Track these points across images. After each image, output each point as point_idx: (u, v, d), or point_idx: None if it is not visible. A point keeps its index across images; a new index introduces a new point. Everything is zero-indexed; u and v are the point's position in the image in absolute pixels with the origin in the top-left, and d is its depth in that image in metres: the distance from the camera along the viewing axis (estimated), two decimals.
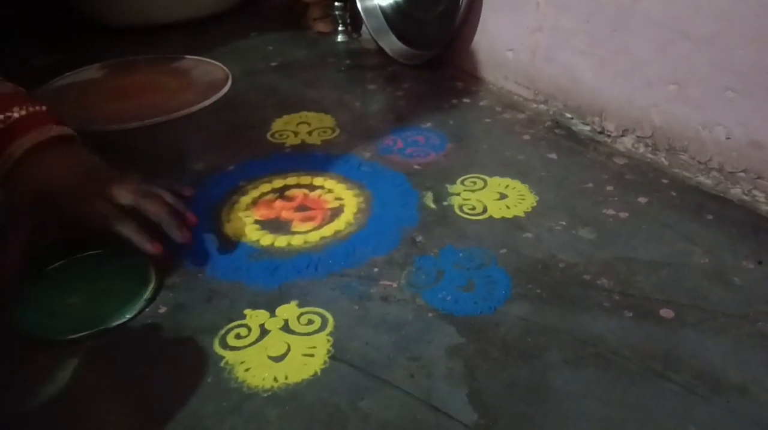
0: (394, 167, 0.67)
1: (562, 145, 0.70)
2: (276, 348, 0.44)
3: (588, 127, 0.72)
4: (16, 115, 0.48)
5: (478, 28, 0.84)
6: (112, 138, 0.73)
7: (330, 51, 0.99)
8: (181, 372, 0.42)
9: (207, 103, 0.82)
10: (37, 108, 0.50)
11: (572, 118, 0.74)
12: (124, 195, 0.48)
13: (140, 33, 1.08)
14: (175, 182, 0.56)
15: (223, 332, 0.45)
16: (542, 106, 0.78)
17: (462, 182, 0.63)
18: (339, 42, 1.02)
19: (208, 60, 0.96)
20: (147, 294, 0.48)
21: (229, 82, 0.88)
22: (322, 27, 1.05)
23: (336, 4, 1.00)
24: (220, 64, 0.94)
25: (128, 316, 0.47)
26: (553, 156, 0.68)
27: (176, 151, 0.71)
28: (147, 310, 0.48)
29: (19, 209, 0.48)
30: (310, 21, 1.07)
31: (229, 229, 0.58)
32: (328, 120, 0.77)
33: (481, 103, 0.80)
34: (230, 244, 0.56)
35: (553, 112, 0.76)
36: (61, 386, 0.41)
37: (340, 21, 1.02)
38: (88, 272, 0.51)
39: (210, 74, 0.91)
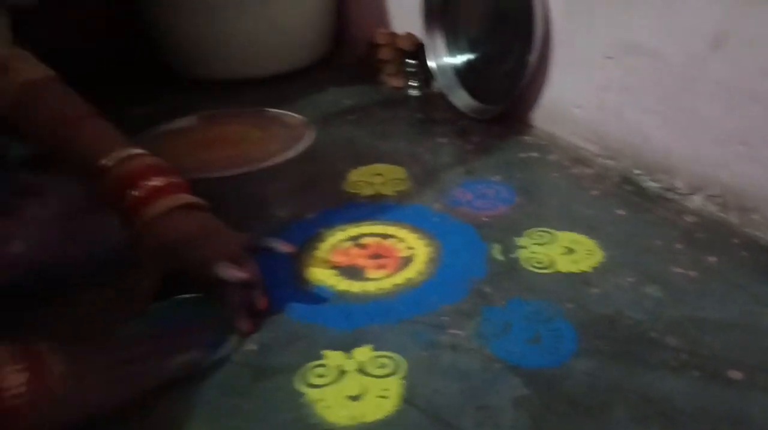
0: (463, 219, 0.70)
1: (631, 201, 0.71)
2: (352, 388, 0.47)
3: (657, 185, 0.73)
4: (156, 183, 0.56)
5: (547, 85, 0.87)
6: (202, 186, 0.80)
7: (403, 105, 1.05)
8: (266, 407, 0.46)
9: (288, 154, 0.89)
10: (174, 179, 0.57)
11: (641, 175, 0.75)
12: (223, 271, 0.53)
13: (228, 87, 1.17)
14: (272, 240, 0.61)
15: (303, 371, 0.49)
16: (610, 162, 0.79)
17: (530, 236, 0.66)
18: (411, 96, 1.07)
19: (290, 113, 1.03)
20: (234, 343, 0.53)
21: (309, 134, 0.95)
22: (395, 82, 1.11)
23: (409, 61, 1.06)
24: (300, 116, 1.01)
25: (220, 354, 0.51)
26: (622, 212, 0.69)
27: (261, 199, 0.77)
28: (235, 348, 0.52)
29: (149, 261, 0.55)
30: (385, 76, 1.13)
31: (308, 274, 0.62)
32: (400, 172, 0.82)
33: (550, 158, 0.83)
34: (309, 288, 0.60)
35: (622, 168, 0.78)
36: (153, 412, 0.46)
37: (412, 77, 1.07)
38: (188, 311, 0.56)
39: (291, 126, 0.98)
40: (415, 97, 1.07)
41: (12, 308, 0.57)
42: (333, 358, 0.50)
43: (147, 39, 1.22)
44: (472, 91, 0.98)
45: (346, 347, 0.51)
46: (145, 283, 0.57)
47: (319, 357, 0.50)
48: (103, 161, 0.57)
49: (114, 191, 0.57)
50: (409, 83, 1.08)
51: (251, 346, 0.52)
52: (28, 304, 0.59)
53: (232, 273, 0.52)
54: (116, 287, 0.61)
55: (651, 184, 0.74)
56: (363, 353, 0.51)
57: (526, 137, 0.89)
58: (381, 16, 1.18)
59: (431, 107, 1.02)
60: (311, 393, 0.47)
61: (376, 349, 0.51)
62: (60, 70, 0.63)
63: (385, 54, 1.12)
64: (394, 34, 1.12)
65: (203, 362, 0.50)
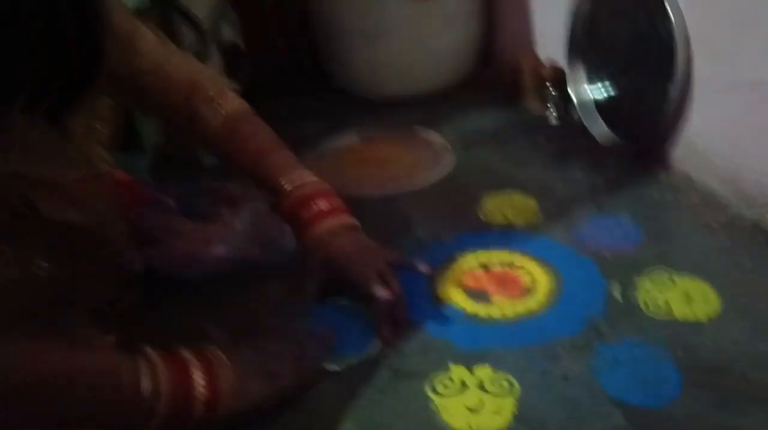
0: (587, 254, 0.76)
1: (760, 253, 0.72)
2: (472, 401, 0.56)
3: None
4: (323, 206, 0.69)
5: (686, 124, 0.89)
6: (356, 204, 0.92)
7: (542, 132, 1.10)
8: (401, 405, 0.57)
9: (431, 177, 0.99)
10: (336, 203, 0.70)
11: None
12: (374, 289, 0.65)
13: (385, 105, 1.28)
14: (414, 260, 0.72)
15: (432, 379, 0.59)
16: (745, 209, 0.80)
17: (650, 278, 0.70)
18: (551, 126, 1.12)
19: (436, 135, 1.13)
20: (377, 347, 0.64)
21: (450, 158, 1.04)
22: (536, 108, 1.16)
23: (550, 89, 1.11)
24: (444, 140, 1.11)
25: (366, 354, 0.63)
26: (748, 262, 0.71)
27: (405, 219, 0.88)
28: (378, 351, 0.63)
29: (315, 271, 0.69)
30: (527, 102, 1.19)
31: (441, 293, 0.72)
32: (532, 203, 0.89)
33: (682, 200, 0.85)
34: (441, 306, 0.70)
35: (755, 216, 0.78)
36: (307, 399, 0.58)
37: (553, 105, 1.12)
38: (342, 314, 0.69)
39: (435, 149, 1.08)
40: (555, 125, 1.12)
41: (205, 296, 0.73)
42: (457, 371, 0.60)
43: (319, 59, 1.38)
44: (611, 124, 1.02)
45: (469, 363, 0.61)
46: (310, 287, 0.71)
47: (446, 369, 0.60)
48: (285, 185, 0.71)
49: (291, 210, 0.71)
50: (550, 111, 1.13)
51: (391, 351, 0.63)
52: (219, 294, 0.75)
53: (381, 293, 0.64)
54: (287, 287, 0.75)
55: None
56: (483, 371, 0.60)
57: (662, 176, 0.91)
58: (527, 43, 1.24)
59: (569, 137, 1.07)
60: (437, 399, 0.57)
61: (495, 369, 0.60)
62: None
63: (527, 80, 1.18)
64: (537, 61, 1.17)
65: (351, 360, 0.62)
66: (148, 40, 0.71)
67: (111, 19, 0.54)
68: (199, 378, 0.50)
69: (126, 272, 0.66)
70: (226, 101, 0.75)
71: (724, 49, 0.80)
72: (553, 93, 1.12)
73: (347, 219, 0.70)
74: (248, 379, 0.55)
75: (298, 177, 0.72)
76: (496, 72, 1.31)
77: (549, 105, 1.14)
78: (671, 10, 0.85)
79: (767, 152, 0.76)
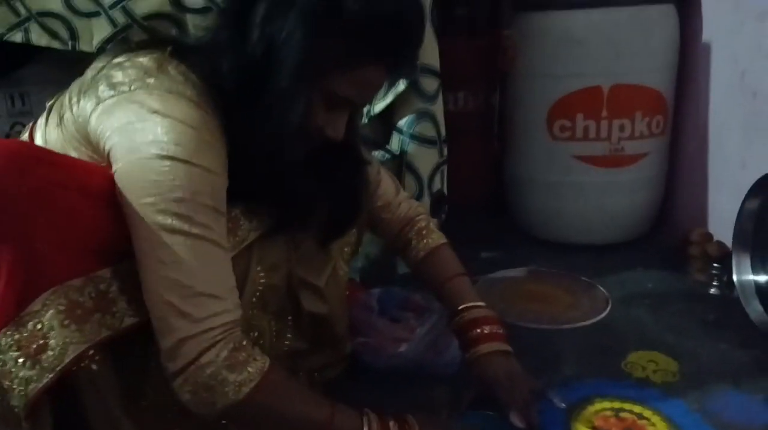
0: (712, 423, 0.86)
1: None
2: None
3: None
4: (486, 330, 0.89)
5: None
6: (514, 332, 1.10)
7: (700, 302, 1.20)
8: None
9: (586, 322, 1.14)
10: (497, 330, 0.90)
11: None
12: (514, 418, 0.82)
13: (558, 249, 1.48)
14: (554, 393, 0.88)
15: None
16: None
17: None
18: (711, 294, 1.22)
19: (598, 285, 1.28)
20: None
21: (608, 309, 1.19)
22: (700, 277, 1.27)
23: (715, 265, 1.22)
24: (605, 290, 1.26)
25: None
26: None
27: (554, 355, 1.04)
28: None
29: (472, 384, 0.88)
30: (692, 269, 1.30)
31: (573, 425, 0.87)
32: (673, 365, 1.00)
33: None
34: None
35: None
36: None
37: (716, 279, 1.22)
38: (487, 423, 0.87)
39: (595, 298, 1.24)
40: (714, 297, 1.21)
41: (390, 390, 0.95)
42: None
43: (507, 203, 1.63)
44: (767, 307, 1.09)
45: None
46: (467, 395, 0.90)
47: None
48: (460, 307, 0.93)
49: (462, 328, 0.92)
50: (712, 283, 1.23)
51: None
52: (396, 382, 0.97)
53: (518, 422, 0.81)
54: (449, 389, 0.95)
55: None
56: None
57: None
58: (699, 217, 1.36)
59: (726, 311, 1.15)
60: None
61: None
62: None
63: (695, 251, 1.29)
64: (707, 236, 1.29)
65: None
66: (386, 185, 1.00)
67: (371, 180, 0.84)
68: None
69: (340, 353, 0.92)
70: (430, 235, 1.00)
71: None
72: (717, 268, 1.22)
73: (503, 346, 0.89)
74: None
75: (470, 302, 0.93)
76: (668, 238, 1.44)
77: (713, 278, 1.24)
78: None
79: None
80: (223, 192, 0.66)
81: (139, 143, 0.62)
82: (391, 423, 0.74)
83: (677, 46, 1.40)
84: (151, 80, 0.65)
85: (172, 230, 0.62)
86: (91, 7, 1.11)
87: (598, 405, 0.91)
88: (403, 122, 1.16)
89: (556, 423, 0.87)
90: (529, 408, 0.83)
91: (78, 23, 1.12)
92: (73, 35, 1.13)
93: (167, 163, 0.61)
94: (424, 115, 1.16)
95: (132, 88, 0.64)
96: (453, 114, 1.66)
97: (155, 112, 0.62)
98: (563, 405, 0.89)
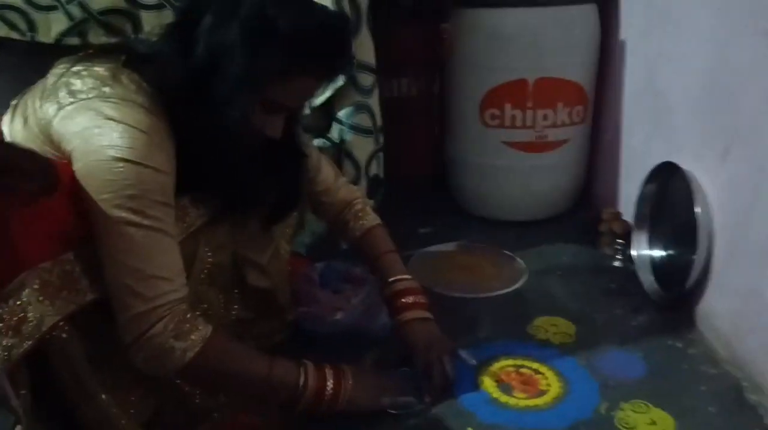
0: (596, 377, 1.02)
1: (730, 406, 0.94)
2: None
3: (754, 397, 0.95)
4: (409, 300, 1.02)
5: (708, 286, 1.12)
6: (438, 299, 1.25)
7: (604, 274, 1.37)
8: None
9: (503, 291, 1.30)
10: (420, 299, 1.04)
11: (747, 386, 0.97)
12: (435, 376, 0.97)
13: (487, 224, 1.63)
14: (466, 350, 1.04)
15: None
16: (732, 370, 1.02)
17: (632, 403, 0.95)
18: (615, 267, 1.39)
19: (518, 258, 1.44)
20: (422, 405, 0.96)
21: (523, 279, 1.35)
22: (607, 251, 1.44)
23: (618, 241, 1.39)
24: (523, 262, 1.41)
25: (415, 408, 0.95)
26: (713, 409, 0.94)
27: (470, 321, 1.20)
28: (422, 408, 0.95)
29: (398, 343, 1.02)
30: (601, 244, 1.46)
31: (480, 379, 1.02)
32: (571, 328, 1.16)
33: (689, 351, 1.08)
34: (477, 389, 1.00)
35: (738, 377, 1.00)
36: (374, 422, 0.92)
37: (619, 253, 1.39)
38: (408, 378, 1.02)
39: (514, 269, 1.39)
40: (617, 269, 1.38)
41: (327, 344, 1.09)
42: None
43: (445, 180, 1.77)
44: (659, 278, 1.26)
45: None
46: (393, 354, 1.04)
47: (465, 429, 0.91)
48: (389, 280, 1.06)
49: (390, 298, 1.06)
50: (616, 256, 1.40)
51: (431, 410, 0.95)
52: (335, 344, 1.10)
53: (438, 381, 0.95)
54: (379, 349, 1.09)
55: (750, 396, 0.96)
56: None
57: (683, 328, 1.15)
58: (611, 198, 1.53)
59: (625, 282, 1.33)
60: None
61: None
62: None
63: (604, 228, 1.45)
64: (615, 215, 1.45)
65: (408, 408, 0.95)
66: (326, 171, 1.12)
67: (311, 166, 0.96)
68: (330, 384, 0.87)
69: (283, 321, 1.05)
70: (366, 216, 1.13)
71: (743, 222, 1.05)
72: (621, 243, 1.39)
73: (424, 313, 1.03)
74: (360, 392, 0.90)
75: (398, 276, 1.07)
76: (584, 216, 1.60)
77: (616, 252, 1.41)
78: (700, 206, 1.12)
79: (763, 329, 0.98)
80: (170, 188, 0.78)
81: (96, 146, 0.72)
82: (327, 370, 0.88)
83: (597, 43, 1.54)
84: (107, 89, 0.75)
85: (127, 222, 0.73)
86: (49, 2, 1.18)
87: (503, 362, 1.07)
88: (342, 114, 1.28)
89: (467, 377, 1.02)
90: (443, 365, 0.97)
91: (36, 16, 1.19)
92: (32, 27, 1.20)
93: (121, 164, 0.72)
94: (361, 108, 1.28)
95: (90, 95, 0.75)
96: (397, 99, 1.80)
97: (111, 118, 0.73)
98: (474, 362, 1.04)
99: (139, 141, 0.74)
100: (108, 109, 0.73)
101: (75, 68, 0.79)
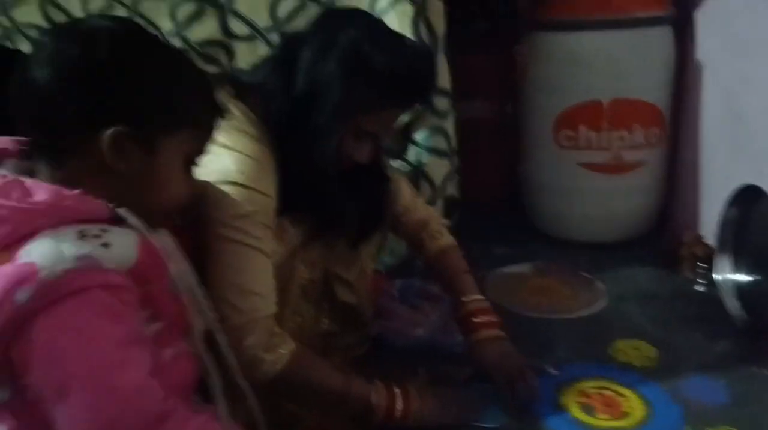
0: (679, 401, 1.01)
1: None
2: None
3: None
4: (482, 319, 1.05)
5: None
6: (515, 320, 1.26)
7: (685, 299, 1.34)
8: None
9: (581, 313, 1.30)
10: (491, 319, 1.06)
11: None
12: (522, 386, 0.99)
13: (565, 245, 1.63)
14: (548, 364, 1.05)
15: None
16: None
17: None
18: (696, 291, 1.36)
19: (596, 280, 1.43)
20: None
21: (601, 302, 1.34)
22: (688, 275, 1.41)
23: (700, 265, 1.36)
24: (602, 285, 1.41)
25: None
26: None
27: (549, 341, 1.20)
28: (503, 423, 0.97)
29: (473, 360, 1.05)
30: (683, 268, 1.44)
31: (562, 399, 1.03)
32: (653, 352, 1.15)
33: None
34: (558, 409, 1.01)
35: None
36: None
37: (702, 275, 1.36)
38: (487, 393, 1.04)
39: (592, 292, 1.39)
40: (699, 294, 1.36)
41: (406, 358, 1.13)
42: None
43: (520, 201, 1.78)
44: (745, 305, 1.23)
45: None
46: (467, 370, 1.07)
47: None
48: (462, 300, 1.09)
49: (462, 318, 1.08)
50: (698, 281, 1.38)
51: (514, 424, 0.97)
52: (414, 358, 1.13)
53: (523, 395, 0.97)
54: (455, 365, 1.11)
55: None
56: None
57: (766, 355, 1.11)
58: (692, 221, 1.50)
59: (707, 307, 1.29)
60: None
61: None
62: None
63: (685, 252, 1.43)
64: (697, 238, 1.43)
65: (488, 423, 0.97)
66: (404, 192, 1.16)
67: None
68: (399, 403, 0.91)
69: (366, 334, 1.10)
70: (441, 237, 1.16)
71: None
72: (703, 267, 1.37)
73: (496, 332, 1.05)
74: (427, 406, 0.93)
75: (471, 295, 1.08)
76: (664, 239, 1.58)
77: (699, 277, 1.38)
78: None
79: None
80: (273, 211, 0.84)
81: (210, 170, 0.80)
82: (395, 389, 0.92)
83: (673, 65, 1.53)
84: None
85: (231, 240, 0.80)
86: None
87: (585, 383, 1.07)
88: (419, 136, 1.33)
89: (548, 396, 1.03)
90: (518, 382, 0.99)
91: None
92: None
93: (232, 187, 0.79)
94: (437, 130, 1.33)
95: None
96: (472, 120, 1.82)
97: (224, 146, 0.80)
98: (556, 372, 1.05)
99: (249, 167, 0.81)
100: (222, 138, 0.81)
101: None
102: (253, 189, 0.80)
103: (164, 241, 0.67)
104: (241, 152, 0.81)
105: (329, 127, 0.83)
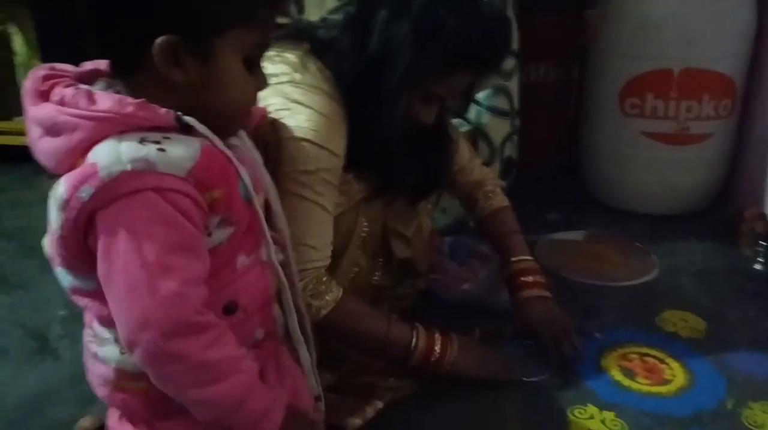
0: (724, 373, 1.02)
1: None
2: (595, 427, 0.91)
3: None
4: (530, 278, 1.08)
5: None
6: (564, 284, 1.28)
7: (743, 274, 1.33)
8: (545, 416, 0.94)
9: (631, 282, 1.31)
10: (539, 279, 1.09)
11: None
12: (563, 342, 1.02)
13: (621, 215, 1.62)
14: (593, 327, 1.07)
15: (573, 406, 0.95)
16: None
17: (762, 404, 0.95)
18: (754, 269, 1.34)
19: (650, 251, 1.43)
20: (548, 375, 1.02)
21: (654, 273, 1.34)
22: (747, 252, 1.39)
23: (761, 242, 1.34)
24: (655, 256, 1.40)
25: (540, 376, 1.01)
26: None
27: (597, 307, 1.22)
28: (547, 377, 1.01)
29: (517, 321, 1.08)
30: (741, 244, 1.41)
31: (603, 362, 1.06)
32: (701, 324, 1.15)
33: None
34: (600, 370, 1.04)
35: None
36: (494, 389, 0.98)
37: (762, 253, 1.34)
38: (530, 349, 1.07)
39: (644, 262, 1.39)
40: (757, 271, 1.34)
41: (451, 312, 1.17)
42: (591, 409, 0.95)
43: (577, 167, 1.77)
44: None
45: (602, 407, 0.95)
46: (512, 329, 1.10)
47: (585, 404, 0.95)
48: (511, 259, 1.11)
49: (510, 277, 1.11)
50: (757, 259, 1.35)
51: (555, 380, 1.00)
52: (460, 313, 1.18)
53: (568, 353, 1.00)
54: (499, 323, 1.15)
55: None
56: (609, 415, 0.93)
57: None
58: (755, 197, 1.46)
59: (762, 284, 1.28)
60: (575, 422, 0.92)
61: (617, 416, 0.93)
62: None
63: (745, 228, 1.40)
64: (759, 215, 1.40)
65: (530, 377, 1.01)
66: (462, 151, 1.18)
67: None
68: (437, 348, 0.95)
69: (417, 288, 1.15)
70: (495, 197, 1.18)
71: None
72: (764, 245, 1.34)
73: (543, 292, 1.07)
74: (463, 359, 0.97)
75: (522, 256, 1.11)
76: (724, 214, 1.55)
77: (759, 253, 1.36)
78: None
79: None
80: (339, 169, 0.88)
81: (284, 125, 0.84)
82: (436, 335, 0.96)
83: (753, 36, 1.47)
84: (297, 76, 0.86)
85: (295, 194, 0.84)
86: None
87: (628, 348, 1.09)
88: (481, 95, 1.34)
89: (590, 357, 1.06)
90: (572, 339, 1.02)
91: None
92: None
93: (304, 144, 0.83)
94: (500, 90, 1.33)
95: (282, 80, 0.86)
96: (534, 84, 1.80)
97: (299, 103, 0.84)
98: (598, 335, 1.08)
99: (321, 125, 0.84)
100: (297, 95, 0.84)
101: (268, 53, 0.91)
102: (323, 147, 0.84)
103: (241, 148, 0.67)
104: (314, 110, 0.84)
105: (399, 90, 0.85)
